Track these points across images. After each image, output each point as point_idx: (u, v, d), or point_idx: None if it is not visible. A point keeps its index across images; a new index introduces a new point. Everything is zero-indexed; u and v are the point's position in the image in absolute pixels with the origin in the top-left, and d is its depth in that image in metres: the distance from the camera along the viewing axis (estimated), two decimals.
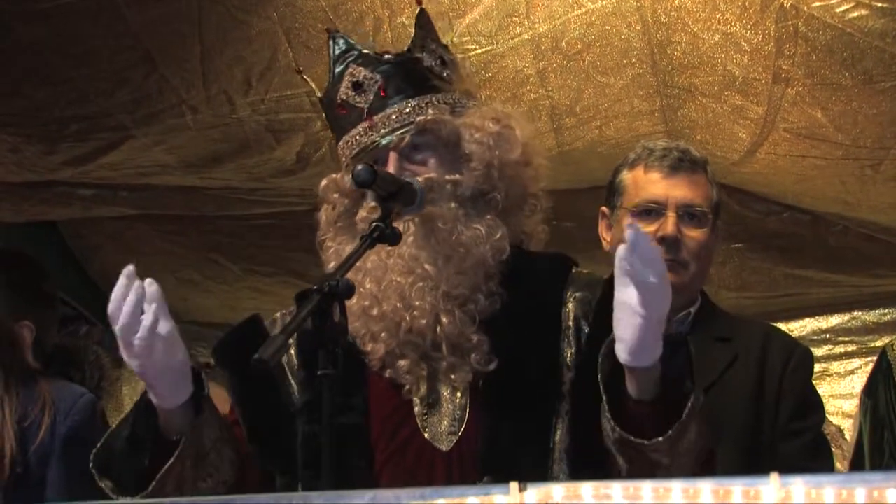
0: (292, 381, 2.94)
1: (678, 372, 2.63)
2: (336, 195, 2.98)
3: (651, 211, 3.59)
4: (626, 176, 3.68)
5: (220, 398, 4.42)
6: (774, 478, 1.74)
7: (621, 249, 2.48)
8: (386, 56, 3.00)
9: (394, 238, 2.67)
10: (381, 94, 2.93)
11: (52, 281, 4.25)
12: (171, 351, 2.65)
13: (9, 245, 4.99)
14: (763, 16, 4.25)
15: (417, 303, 2.80)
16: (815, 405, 3.69)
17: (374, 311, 2.83)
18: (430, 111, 2.91)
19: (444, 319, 2.80)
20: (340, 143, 3.00)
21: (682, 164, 3.62)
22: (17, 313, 3.94)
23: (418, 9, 3.08)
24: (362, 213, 2.91)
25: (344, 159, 2.99)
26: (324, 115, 3.10)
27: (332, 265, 2.90)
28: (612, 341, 2.60)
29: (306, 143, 4.92)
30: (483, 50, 4.44)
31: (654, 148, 3.67)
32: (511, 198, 2.95)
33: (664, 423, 2.56)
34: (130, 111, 4.74)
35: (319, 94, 3.08)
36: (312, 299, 2.39)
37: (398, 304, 2.81)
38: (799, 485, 1.73)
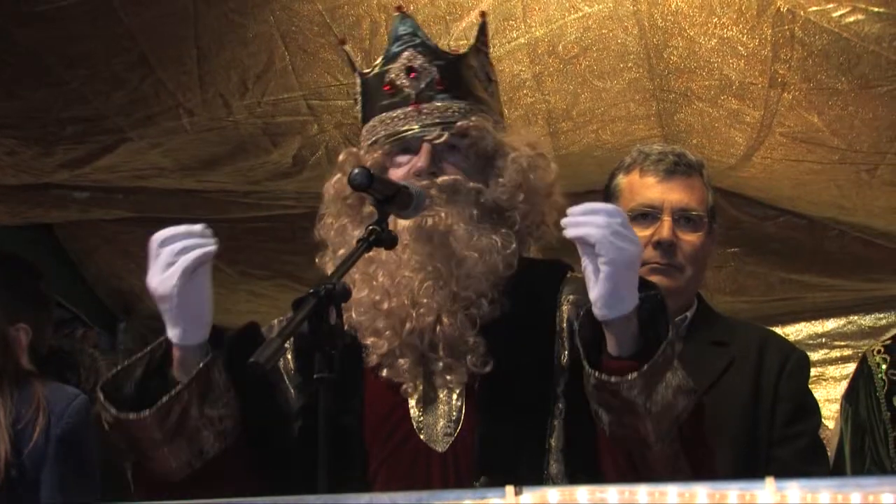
0: (289, 385, 2.94)
1: (655, 329, 2.65)
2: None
3: (647, 215, 3.59)
4: (622, 180, 3.68)
5: None
6: (770, 482, 1.74)
7: (565, 219, 2.62)
8: (446, 53, 3.01)
9: (390, 242, 2.68)
10: (436, 86, 2.94)
11: (48, 283, 4.25)
12: (202, 289, 2.66)
13: (4, 247, 4.99)
14: (759, 20, 4.26)
15: (425, 300, 2.81)
16: (811, 409, 3.69)
17: (384, 306, 2.84)
18: (474, 119, 2.93)
19: (446, 320, 2.81)
20: (373, 120, 2.99)
21: (678, 168, 3.62)
22: (12, 316, 3.94)
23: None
24: (369, 208, 2.90)
25: (371, 137, 2.98)
26: (359, 89, 3.08)
27: (331, 246, 2.92)
28: (590, 309, 2.63)
29: (303, 146, 4.92)
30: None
31: (650, 152, 3.68)
32: (527, 222, 2.97)
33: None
34: (127, 114, 4.74)
35: (364, 70, 3.07)
36: (309, 302, 2.39)
37: (406, 301, 2.82)
38: (794, 489, 1.73)
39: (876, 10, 4.13)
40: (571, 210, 2.64)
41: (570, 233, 2.62)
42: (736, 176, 4.99)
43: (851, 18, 4.16)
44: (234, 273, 6.13)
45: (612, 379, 2.57)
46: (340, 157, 3.04)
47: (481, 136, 2.92)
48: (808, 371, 3.74)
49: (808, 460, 3.57)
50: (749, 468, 3.44)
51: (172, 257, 2.62)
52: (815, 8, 4.18)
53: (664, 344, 2.60)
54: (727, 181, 5.04)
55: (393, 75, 2.98)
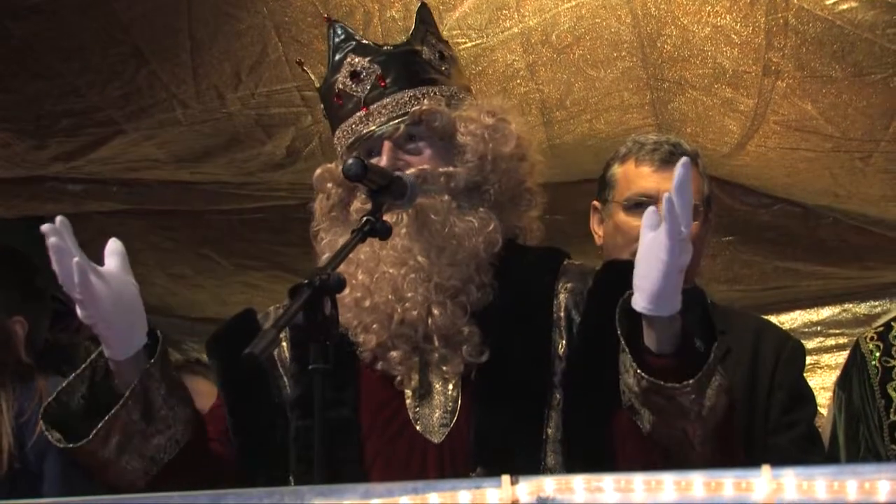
0: (284, 375, 2.94)
1: (696, 327, 2.63)
2: (330, 185, 2.99)
3: (642, 204, 3.59)
4: (618, 170, 3.68)
5: (207, 393, 4.43)
6: (766, 470, 1.74)
7: (666, 195, 2.49)
8: (385, 47, 3.01)
9: (385, 232, 2.67)
10: (379, 83, 2.94)
11: (44, 277, 4.24)
12: (119, 302, 2.63)
13: None
14: (753, 8, 4.25)
15: (409, 294, 2.81)
16: (807, 398, 3.70)
17: (367, 303, 2.84)
18: (426, 102, 2.92)
19: (436, 311, 2.80)
20: (336, 132, 3.01)
21: (674, 157, 3.62)
22: (9, 309, 3.94)
23: (420, 2, 3.09)
24: (357, 204, 2.91)
25: (339, 148, 3.00)
26: (321, 104, 3.10)
27: (325, 256, 2.91)
28: (628, 299, 2.60)
29: (296, 137, 4.92)
30: (473, 43, 4.44)
31: (645, 142, 3.68)
32: (504, 191, 2.95)
33: (685, 375, 2.55)
34: (121, 106, 4.73)
35: (318, 85, 3.08)
36: (303, 293, 2.39)
37: (390, 296, 2.82)
38: (790, 477, 1.73)
39: None
40: (675, 190, 2.49)
41: (654, 216, 2.55)
42: (730, 164, 4.98)
43: (845, 6, 4.16)
44: (228, 264, 6.12)
45: (668, 384, 2.55)
46: (316, 174, 3.05)
47: (434, 118, 2.91)
48: (804, 359, 3.75)
49: (804, 448, 3.57)
50: (746, 456, 3.44)
51: (71, 293, 2.59)
52: None
53: (714, 347, 2.58)
54: (721, 170, 5.04)
55: (340, 84, 2.99)
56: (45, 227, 2.57)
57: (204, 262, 6.11)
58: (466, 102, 3.01)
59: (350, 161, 2.66)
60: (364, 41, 3.01)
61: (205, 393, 4.38)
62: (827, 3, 4.17)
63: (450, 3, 4.31)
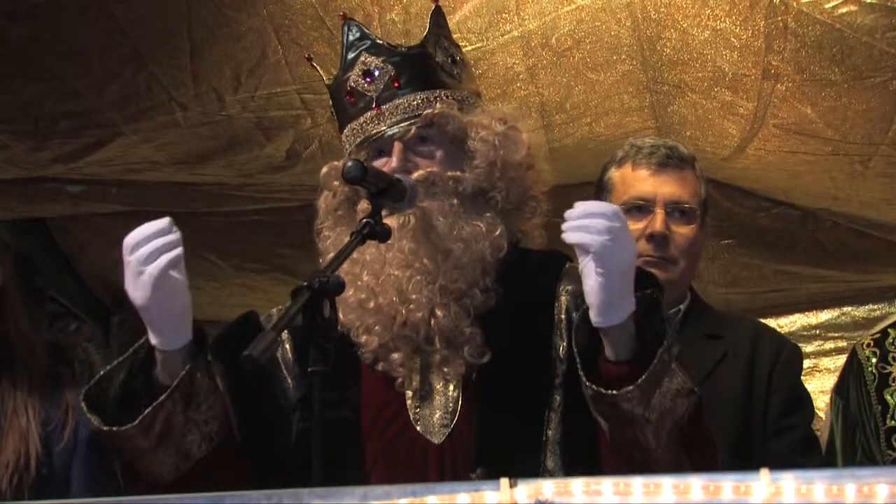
0: (287, 377, 2.94)
1: (653, 332, 2.64)
2: (337, 182, 2.98)
3: (640, 208, 3.59)
4: (615, 174, 3.68)
5: None
6: (765, 473, 1.74)
7: (565, 224, 2.57)
8: (399, 48, 3.01)
9: (383, 235, 2.67)
10: (393, 84, 2.94)
11: (41, 278, 4.24)
12: (177, 293, 2.66)
13: None
14: (752, 12, 4.26)
15: (414, 296, 2.81)
16: (804, 402, 3.70)
17: (371, 304, 2.84)
18: (438, 105, 2.93)
19: (439, 312, 2.81)
20: (346, 130, 3.01)
21: (671, 160, 3.62)
22: None
23: (433, 6, 3.09)
24: (363, 204, 2.91)
25: (347, 146, 3.00)
26: (330, 100, 3.10)
27: (328, 255, 2.91)
28: (587, 310, 2.62)
29: (296, 139, 4.92)
30: (473, 47, 4.44)
31: (642, 145, 3.68)
32: (511, 199, 2.96)
33: (640, 377, 2.57)
34: (120, 108, 4.73)
35: (327, 82, 3.08)
36: (303, 295, 2.39)
37: (395, 298, 2.82)
38: (789, 480, 1.73)
39: (869, 1, 4.13)
40: (569, 213, 2.60)
41: (568, 237, 2.59)
42: (730, 168, 4.98)
43: (844, 9, 4.16)
44: (227, 266, 6.12)
45: (609, 392, 2.56)
46: (322, 172, 3.04)
47: (446, 122, 2.91)
48: (801, 363, 3.75)
49: (802, 452, 3.57)
50: (743, 460, 3.44)
51: (140, 266, 2.61)
52: None
53: (660, 352, 2.58)
54: (721, 173, 5.04)
55: (352, 82, 2.99)
56: (170, 220, 2.65)
57: (203, 265, 6.10)
58: (478, 108, 3.02)
59: (349, 164, 2.65)
60: (379, 41, 3.01)
61: None
62: (826, 6, 4.17)
63: (450, 6, 4.31)
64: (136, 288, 2.62)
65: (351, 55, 3.01)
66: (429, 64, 2.99)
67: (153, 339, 2.69)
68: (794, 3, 4.19)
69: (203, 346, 2.77)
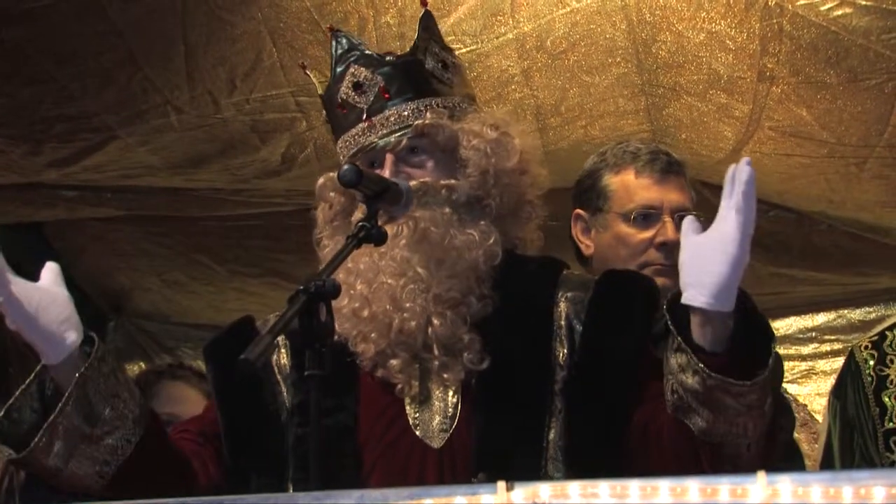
0: (280, 382, 2.93)
1: (757, 325, 2.58)
2: (333, 194, 2.99)
3: (646, 216, 3.58)
4: (613, 180, 3.66)
5: (188, 398, 4.41)
6: (762, 476, 1.74)
7: (741, 174, 2.48)
8: (388, 57, 3.01)
9: (379, 238, 2.67)
10: (382, 95, 2.95)
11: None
12: (42, 307, 2.61)
13: None
14: (748, 14, 4.26)
15: (408, 305, 2.81)
16: (786, 408, 3.70)
17: (365, 313, 2.84)
18: (429, 115, 2.93)
19: (436, 321, 2.80)
20: (339, 142, 3.02)
21: (672, 167, 3.62)
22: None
23: (423, 10, 3.10)
24: (358, 215, 2.91)
25: (342, 158, 3.00)
26: (323, 111, 3.10)
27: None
28: (675, 298, 2.56)
29: (291, 143, 4.91)
30: (467, 49, 4.44)
31: (637, 152, 3.65)
32: (506, 205, 2.96)
33: (740, 373, 2.50)
34: (115, 112, 4.73)
35: (320, 91, 3.09)
36: (299, 299, 2.39)
37: (388, 306, 2.82)
38: (786, 483, 1.73)
39: (864, 3, 4.13)
40: (745, 187, 2.48)
41: (730, 205, 2.49)
42: (725, 170, 4.96)
43: (839, 12, 4.17)
44: (223, 271, 6.12)
45: (738, 381, 2.49)
46: (318, 183, 3.05)
47: (437, 132, 2.92)
48: (782, 370, 3.73)
49: (784, 458, 3.56)
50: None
51: None
52: (802, 1, 4.18)
53: (773, 343, 2.56)
54: (716, 176, 5.02)
55: (343, 94, 3.00)
56: None
57: (198, 269, 6.10)
58: (470, 113, 3.01)
59: (345, 167, 2.66)
60: (367, 52, 3.02)
61: (187, 398, 4.37)
62: (821, 9, 4.17)
63: (444, 8, 4.31)
64: (6, 317, 2.60)
65: (340, 68, 3.02)
66: (419, 72, 2.99)
67: (41, 358, 2.68)
68: (790, 6, 4.19)
69: (93, 349, 2.70)
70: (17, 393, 2.73)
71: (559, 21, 4.40)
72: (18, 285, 2.58)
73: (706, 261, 2.50)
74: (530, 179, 3.01)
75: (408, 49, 3.06)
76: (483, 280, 2.87)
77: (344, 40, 3.04)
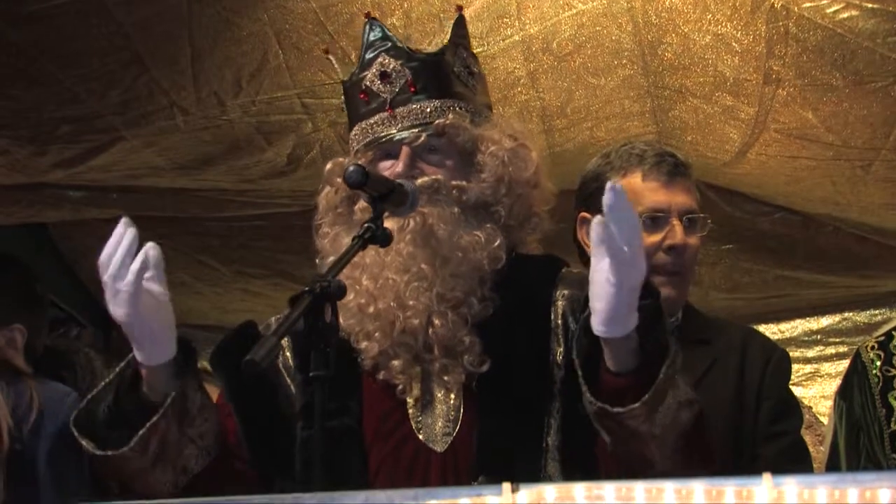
0: (290, 383, 2.93)
1: (655, 342, 2.60)
2: (339, 179, 2.99)
3: (654, 220, 3.56)
4: (620, 184, 3.63)
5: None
6: (767, 478, 1.74)
7: (598, 217, 2.46)
8: (418, 53, 3.02)
9: (385, 239, 2.67)
10: (409, 88, 2.95)
11: (43, 284, 4.25)
12: (158, 308, 2.62)
13: None
14: (754, 17, 4.25)
15: (411, 302, 2.81)
16: (794, 408, 3.69)
17: (371, 309, 2.84)
18: (451, 115, 2.94)
19: (437, 321, 2.80)
20: (354, 128, 3.02)
21: (679, 169, 3.60)
22: (7, 316, 3.94)
23: (457, 15, 3.11)
24: (361, 203, 2.91)
25: (355, 144, 3.00)
26: (342, 97, 3.10)
27: (326, 254, 2.93)
28: (588, 316, 2.58)
29: (297, 144, 4.92)
30: (474, 51, 4.44)
31: (644, 154, 3.63)
32: (514, 215, 2.97)
33: (644, 392, 2.53)
34: (121, 113, 4.73)
35: (342, 77, 3.08)
36: (304, 300, 2.39)
37: (392, 303, 2.82)
38: (791, 485, 1.73)
39: (870, 5, 4.13)
40: (607, 212, 2.46)
41: (594, 235, 2.47)
42: (730, 172, 4.98)
43: (845, 14, 4.16)
44: (228, 272, 6.12)
45: (615, 409, 2.53)
46: (327, 167, 3.05)
47: (457, 133, 2.93)
48: (790, 369, 3.73)
49: (793, 458, 3.56)
50: (734, 466, 3.43)
51: (114, 284, 2.59)
52: (809, 4, 4.17)
53: (664, 367, 2.55)
54: (722, 178, 5.04)
55: (368, 82, 3.00)
56: (125, 219, 2.62)
57: (204, 270, 6.11)
58: (489, 122, 3.02)
59: (351, 168, 2.66)
60: (399, 44, 3.02)
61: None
62: (827, 11, 4.17)
63: (451, 10, 4.30)
64: (115, 305, 2.60)
65: (370, 55, 3.02)
66: (446, 72, 3.00)
67: (138, 356, 2.68)
68: (796, 8, 4.19)
69: (191, 359, 2.75)
70: (100, 386, 2.75)
71: (565, 23, 4.40)
72: (147, 281, 2.58)
73: (597, 287, 2.52)
74: (540, 194, 3.02)
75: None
76: (485, 282, 2.87)
77: (378, 29, 3.05)
